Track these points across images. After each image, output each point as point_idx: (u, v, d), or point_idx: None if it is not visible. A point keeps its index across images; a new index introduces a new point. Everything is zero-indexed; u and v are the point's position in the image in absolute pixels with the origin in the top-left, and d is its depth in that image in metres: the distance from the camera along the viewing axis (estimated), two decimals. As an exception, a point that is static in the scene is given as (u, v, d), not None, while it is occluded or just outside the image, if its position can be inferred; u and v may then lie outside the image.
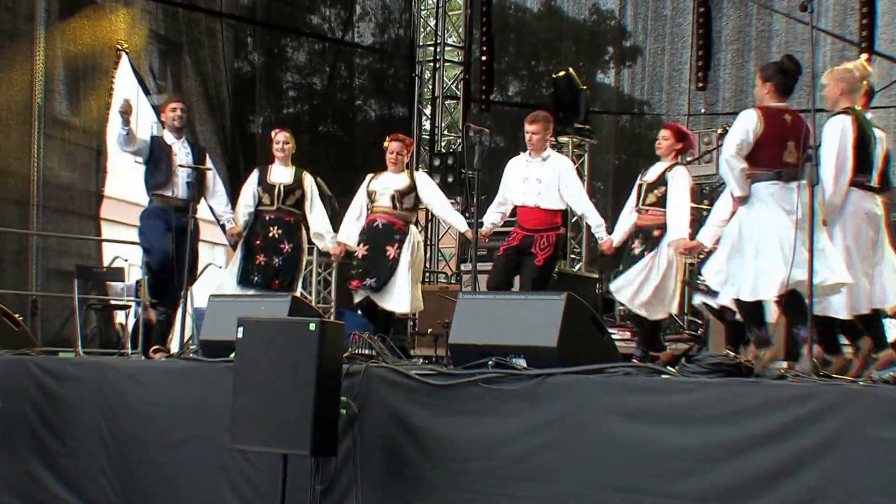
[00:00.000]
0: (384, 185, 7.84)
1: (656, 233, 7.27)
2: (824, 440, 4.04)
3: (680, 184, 7.26)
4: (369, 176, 8.00)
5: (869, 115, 6.19)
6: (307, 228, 8.13)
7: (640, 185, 7.47)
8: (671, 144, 7.46)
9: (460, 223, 8.06)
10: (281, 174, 8.03)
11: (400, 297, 7.64)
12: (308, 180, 8.12)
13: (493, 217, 7.90)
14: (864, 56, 6.59)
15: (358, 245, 7.81)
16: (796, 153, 5.58)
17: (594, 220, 7.68)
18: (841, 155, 5.71)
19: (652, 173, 7.48)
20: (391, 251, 7.67)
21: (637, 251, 7.34)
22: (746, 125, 5.64)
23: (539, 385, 4.79)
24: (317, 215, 8.12)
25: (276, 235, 7.91)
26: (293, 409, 4.84)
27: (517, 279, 7.75)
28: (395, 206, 7.79)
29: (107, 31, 10.70)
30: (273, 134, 8.19)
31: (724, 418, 4.31)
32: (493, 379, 4.92)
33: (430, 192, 7.98)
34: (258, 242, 7.88)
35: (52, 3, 10.38)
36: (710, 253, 6.47)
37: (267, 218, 7.94)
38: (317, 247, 9.60)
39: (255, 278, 7.83)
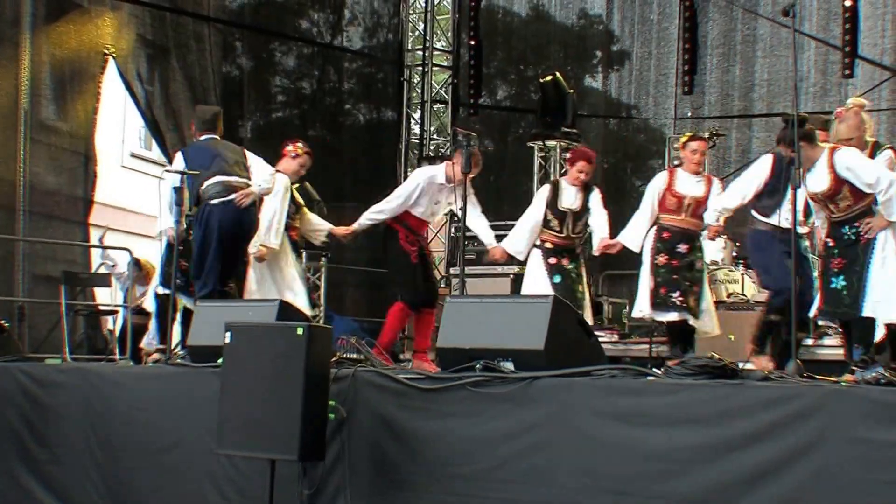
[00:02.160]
0: None
1: None
2: (808, 441, 4.07)
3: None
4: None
5: None
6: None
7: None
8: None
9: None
10: None
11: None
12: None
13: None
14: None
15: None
16: None
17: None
18: None
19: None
20: None
21: None
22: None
23: (526, 388, 4.81)
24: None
25: None
26: (281, 414, 4.84)
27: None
28: None
29: (93, 36, 10.67)
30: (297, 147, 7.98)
31: (709, 419, 4.34)
32: (480, 382, 4.93)
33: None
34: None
35: (38, 8, 10.34)
36: None
37: None
38: (305, 251, 9.58)
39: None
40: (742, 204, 6.88)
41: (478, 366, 4.99)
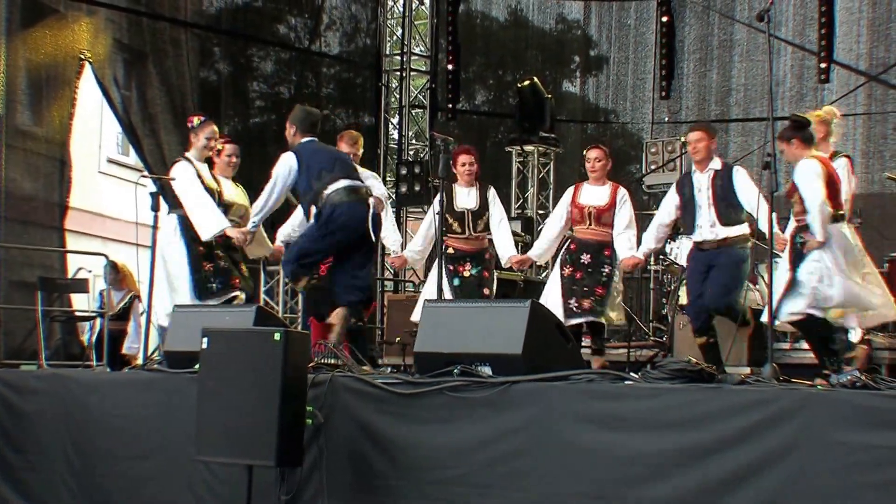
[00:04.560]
0: None
1: None
2: (785, 444, 4.09)
3: None
4: None
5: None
6: None
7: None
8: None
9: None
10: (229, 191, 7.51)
11: None
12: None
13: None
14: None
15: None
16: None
17: None
18: None
19: None
20: None
21: None
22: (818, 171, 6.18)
23: (504, 392, 4.81)
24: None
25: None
26: (258, 420, 4.83)
27: None
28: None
29: (70, 41, 10.60)
30: (220, 144, 7.52)
31: (687, 423, 4.36)
32: (458, 387, 4.94)
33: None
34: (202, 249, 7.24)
35: (13, 12, 10.27)
36: None
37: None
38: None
39: (214, 285, 7.20)
40: (663, 237, 7.58)
41: (456, 370, 4.99)
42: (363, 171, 7.34)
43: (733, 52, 13.06)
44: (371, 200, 6.80)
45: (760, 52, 12.25)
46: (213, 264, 7.10)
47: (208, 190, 7.10)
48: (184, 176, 7.05)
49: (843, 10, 12.29)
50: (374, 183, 7.46)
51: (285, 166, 6.72)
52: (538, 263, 8.29)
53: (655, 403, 4.48)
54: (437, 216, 7.04)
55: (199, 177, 7.12)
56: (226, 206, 7.24)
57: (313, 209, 6.78)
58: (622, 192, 7.61)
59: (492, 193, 7.81)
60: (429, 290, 7.57)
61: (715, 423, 4.28)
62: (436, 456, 4.95)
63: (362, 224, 6.71)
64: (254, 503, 5.05)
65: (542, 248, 7.90)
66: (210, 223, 6.95)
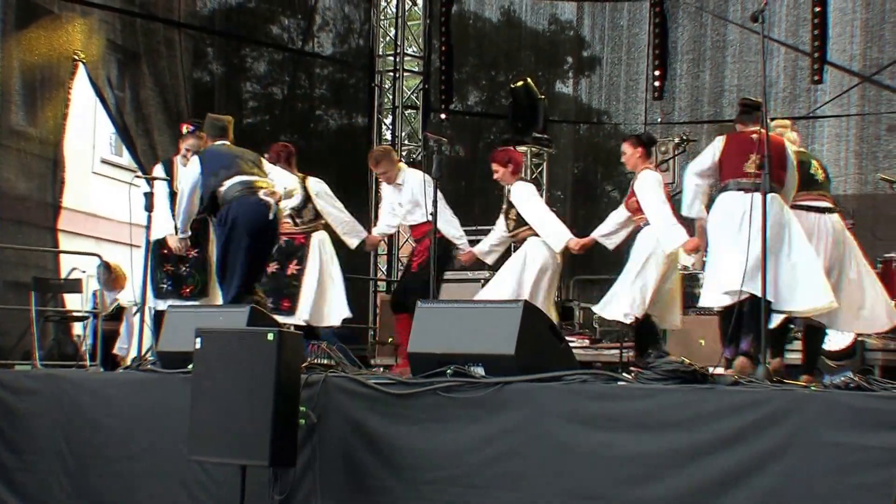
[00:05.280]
0: None
1: None
2: (778, 445, 4.10)
3: None
4: None
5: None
6: None
7: None
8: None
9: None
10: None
11: None
12: None
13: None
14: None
15: None
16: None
17: None
18: None
19: None
20: None
21: None
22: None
23: (497, 393, 4.82)
24: None
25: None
26: (251, 420, 4.83)
27: None
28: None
29: (63, 42, 10.59)
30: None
31: (680, 424, 4.36)
32: (451, 387, 4.94)
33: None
34: (165, 251, 7.70)
35: (7, 13, 10.26)
36: None
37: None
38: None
39: (165, 287, 7.72)
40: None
41: (449, 371, 4.99)
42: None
43: (726, 53, 13.06)
44: (268, 196, 6.88)
45: (753, 52, 12.27)
46: (173, 268, 7.72)
47: (173, 193, 7.56)
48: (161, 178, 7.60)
49: (837, 11, 12.30)
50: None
51: (190, 170, 7.11)
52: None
53: (648, 404, 4.49)
54: (430, 216, 7.07)
55: (172, 179, 7.64)
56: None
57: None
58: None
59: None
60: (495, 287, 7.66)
61: (708, 424, 4.29)
62: (429, 456, 4.96)
63: (258, 217, 6.84)
64: (248, 502, 5.06)
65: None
66: (157, 228, 7.48)
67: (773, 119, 6.70)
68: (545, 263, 7.54)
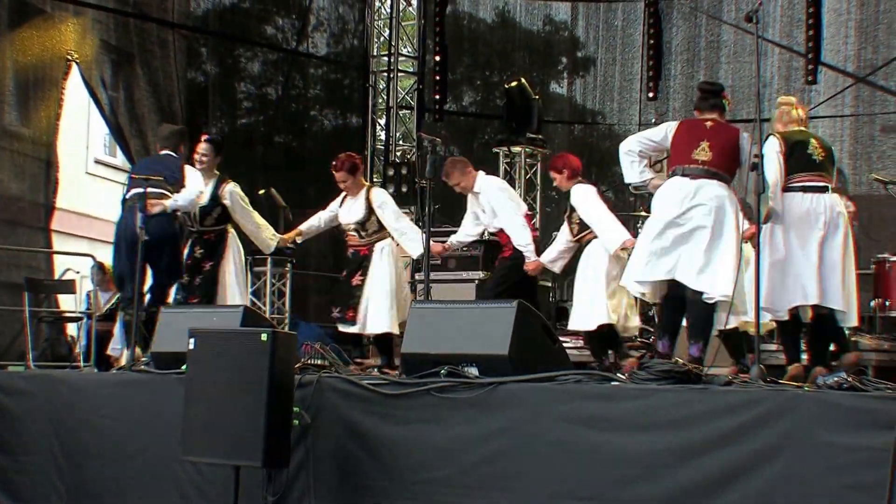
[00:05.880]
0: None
1: None
2: (771, 445, 4.10)
3: None
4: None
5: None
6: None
7: None
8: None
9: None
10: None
11: None
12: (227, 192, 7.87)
13: None
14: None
15: None
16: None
17: None
18: None
19: None
20: None
21: None
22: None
23: (491, 393, 4.82)
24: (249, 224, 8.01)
25: (199, 255, 7.88)
26: (245, 421, 4.83)
27: None
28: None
29: (57, 41, 10.58)
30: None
31: (674, 424, 4.37)
32: (445, 388, 4.94)
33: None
34: (187, 262, 7.83)
35: (0, 14, 10.26)
36: None
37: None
38: (270, 257, 9.53)
39: (178, 296, 7.81)
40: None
41: (442, 371, 4.99)
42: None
43: (720, 54, 13.08)
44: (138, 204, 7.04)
45: (747, 53, 12.25)
46: (188, 278, 7.87)
47: None
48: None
49: (831, 12, 12.32)
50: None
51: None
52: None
53: (642, 404, 4.49)
54: (424, 218, 7.06)
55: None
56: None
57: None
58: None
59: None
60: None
61: (702, 424, 4.29)
62: (423, 456, 4.96)
63: (126, 230, 7.19)
64: (241, 503, 5.05)
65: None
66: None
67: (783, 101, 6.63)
68: (608, 270, 7.34)
